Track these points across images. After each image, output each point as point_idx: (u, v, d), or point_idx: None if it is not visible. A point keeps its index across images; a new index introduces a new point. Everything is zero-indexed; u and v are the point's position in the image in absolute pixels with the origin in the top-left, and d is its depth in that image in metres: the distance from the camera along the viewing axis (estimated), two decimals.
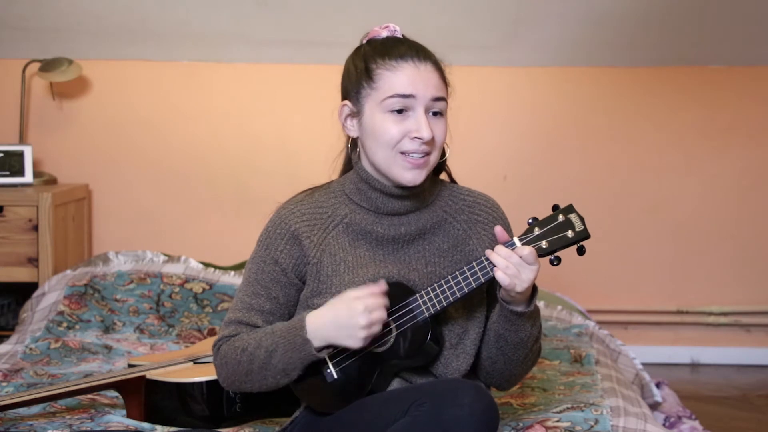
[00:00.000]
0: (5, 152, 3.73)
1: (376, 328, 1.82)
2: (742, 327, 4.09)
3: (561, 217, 1.87)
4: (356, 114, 1.94)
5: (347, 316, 1.81)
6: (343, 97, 1.98)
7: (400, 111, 1.89)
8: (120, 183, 4.03)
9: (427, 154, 1.90)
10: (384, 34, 1.96)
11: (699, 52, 3.97)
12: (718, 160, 4.06)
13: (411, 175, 1.90)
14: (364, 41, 1.98)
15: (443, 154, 2.00)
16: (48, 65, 3.80)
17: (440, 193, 2.01)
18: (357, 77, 1.93)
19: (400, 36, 1.97)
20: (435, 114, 1.91)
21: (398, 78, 1.89)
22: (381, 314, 1.82)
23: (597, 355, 2.90)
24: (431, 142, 1.89)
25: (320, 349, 1.85)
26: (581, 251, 1.87)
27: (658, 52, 3.99)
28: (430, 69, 1.91)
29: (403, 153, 1.89)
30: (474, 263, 1.87)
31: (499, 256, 1.84)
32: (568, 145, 4.05)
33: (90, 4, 3.81)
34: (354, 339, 1.81)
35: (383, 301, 1.83)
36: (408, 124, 1.89)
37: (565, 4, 3.80)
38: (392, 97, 1.88)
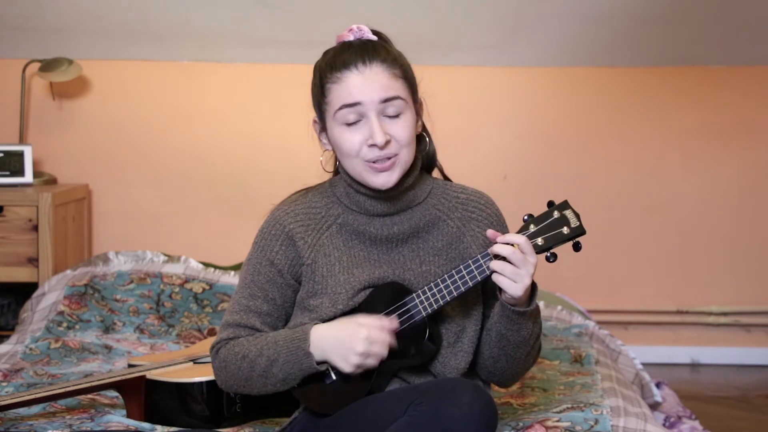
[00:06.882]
0: (5, 152, 3.73)
1: (371, 362, 1.82)
2: (742, 327, 4.09)
3: (556, 214, 1.86)
4: (324, 129, 1.94)
5: (348, 337, 1.81)
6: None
7: (355, 122, 1.87)
8: (120, 183, 4.03)
9: (393, 155, 1.88)
10: (350, 37, 1.92)
11: (699, 52, 3.97)
12: (718, 160, 4.05)
13: (382, 180, 1.89)
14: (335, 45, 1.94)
15: (425, 145, 1.97)
16: (48, 65, 3.80)
17: (433, 191, 1.99)
18: (316, 94, 1.92)
19: (370, 36, 1.92)
20: (391, 116, 1.88)
21: (342, 89, 1.86)
22: (381, 350, 1.81)
23: (597, 355, 2.90)
24: (391, 144, 1.87)
25: (321, 362, 1.85)
26: (577, 247, 1.87)
27: (658, 52, 3.99)
28: (376, 70, 1.86)
29: (367, 161, 1.88)
30: (470, 261, 1.86)
31: (501, 249, 1.81)
32: (568, 145, 4.05)
33: (90, 4, 3.81)
34: (345, 363, 1.81)
35: (389, 339, 1.82)
36: (364, 132, 1.86)
37: (565, 4, 3.80)
38: (341, 109, 1.86)
